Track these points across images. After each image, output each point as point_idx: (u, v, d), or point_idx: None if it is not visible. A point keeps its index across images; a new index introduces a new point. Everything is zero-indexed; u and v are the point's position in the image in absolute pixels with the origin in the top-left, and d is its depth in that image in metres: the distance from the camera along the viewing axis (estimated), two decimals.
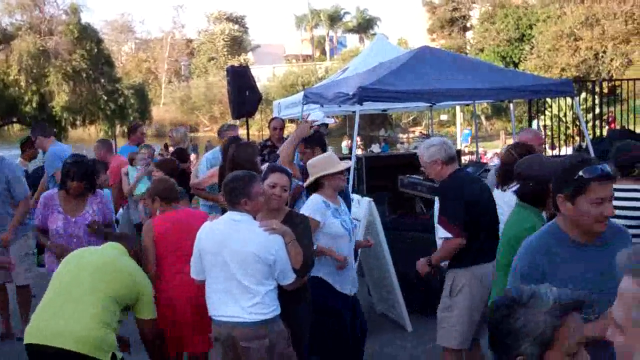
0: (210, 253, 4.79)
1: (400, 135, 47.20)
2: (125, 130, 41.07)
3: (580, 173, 3.36)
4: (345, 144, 35.57)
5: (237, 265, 4.66)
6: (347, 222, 5.80)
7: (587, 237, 3.47)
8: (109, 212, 6.88)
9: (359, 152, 24.82)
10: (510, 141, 25.76)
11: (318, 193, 5.69)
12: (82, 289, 4.82)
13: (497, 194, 5.98)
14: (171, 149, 11.54)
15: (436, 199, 5.98)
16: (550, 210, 4.74)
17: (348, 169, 6.16)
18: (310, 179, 5.74)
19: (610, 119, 18.53)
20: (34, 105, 35.18)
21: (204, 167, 8.56)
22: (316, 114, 9.19)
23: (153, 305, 5.26)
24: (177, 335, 5.67)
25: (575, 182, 3.37)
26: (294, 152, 6.90)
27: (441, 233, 5.61)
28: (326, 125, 9.10)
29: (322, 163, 5.77)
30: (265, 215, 5.06)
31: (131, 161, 9.85)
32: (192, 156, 23.25)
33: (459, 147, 22.80)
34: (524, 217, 4.57)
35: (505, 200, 5.81)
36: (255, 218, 4.89)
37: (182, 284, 5.51)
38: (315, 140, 7.15)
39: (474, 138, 21.25)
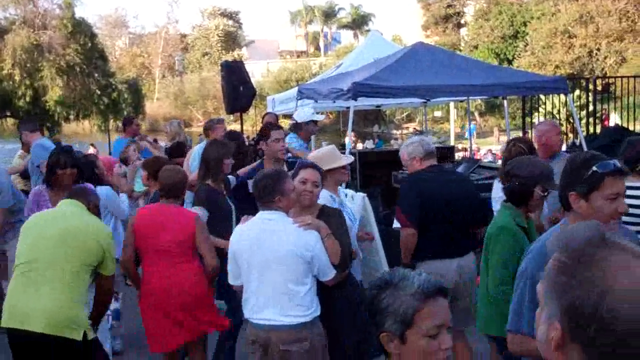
0: (246, 256, 4.68)
1: (394, 131, 47.25)
2: (120, 124, 41.07)
3: (595, 168, 3.23)
4: (348, 139, 35.60)
5: (274, 265, 4.56)
6: (350, 214, 5.79)
7: None
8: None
9: (360, 146, 24.90)
10: (504, 138, 25.78)
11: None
12: (46, 264, 4.67)
13: (499, 188, 6.02)
14: (162, 143, 11.44)
15: None
16: (533, 212, 4.78)
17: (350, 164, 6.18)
18: None
19: (604, 117, 18.58)
20: (28, 99, 35.16)
21: (196, 162, 8.54)
22: (305, 111, 9.20)
23: (114, 261, 5.03)
24: (156, 332, 5.53)
25: (590, 177, 3.24)
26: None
27: (395, 223, 5.69)
28: (315, 122, 9.09)
29: (325, 157, 5.72)
30: (299, 212, 4.95)
31: (124, 160, 9.70)
32: None
33: (452, 144, 22.82)
34: (499, 217, 4.61)
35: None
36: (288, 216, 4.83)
37: (157, 279, 5.44)
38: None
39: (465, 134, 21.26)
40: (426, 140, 5.92)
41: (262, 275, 4.60)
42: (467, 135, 34.49)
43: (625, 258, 1.48)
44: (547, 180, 4.64)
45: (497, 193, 6.02)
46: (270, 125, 7.47)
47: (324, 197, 5.50)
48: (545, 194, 4.66)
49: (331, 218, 5.00)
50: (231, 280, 4.92)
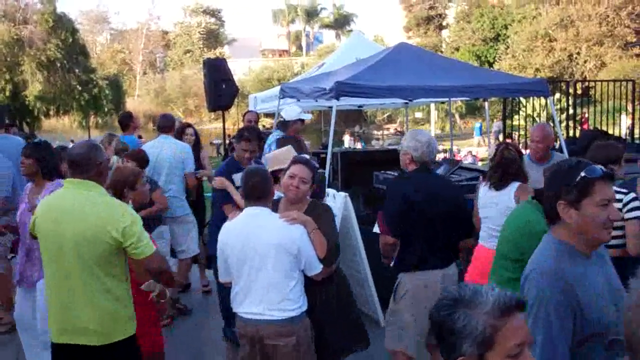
0: (234, 252, 4.75)
1: (375, 132, 47.35)
2: (100, 120, 40.82)
3: (583, 174, 3.03)
4: (347, 138, 35.65)
5: (262, 259, 4.64)
6: None
7: (589, 248, 3.13)
8: None
9: (359, 145, 24.90)
10: (485, 140, 25.93)
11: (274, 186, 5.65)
12: (71, 270, 4.38)
13: (489, 194, 5.95)
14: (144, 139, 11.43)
15: None
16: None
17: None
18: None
19: (583, 120, 18.73)
20: (7, 94, 34.83)
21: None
22: (292, 109, 9.24)
23: (142, 240, 4.42)
24: None
25: (579, 184, 3.03)
26: None
27: (375, 227, 5.60)
28: (302, 120, 9.15)
29: (279, 157, 5.80)
30: (288, 206, 5.05)
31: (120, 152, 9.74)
32: None
33: None
34: (528, 212, 4.52)
35: (497, 201, 5.81)
36: (277, 210, 4.95)
37: None
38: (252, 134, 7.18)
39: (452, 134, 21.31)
40: (431, 146, 5.63)
41: (250, 270, 4.67)
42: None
43: None
44: None
45: (486, 197, 5.98)
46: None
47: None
48: None
49: (319, 213, 5.05)
50: (220, 278, 5.00)
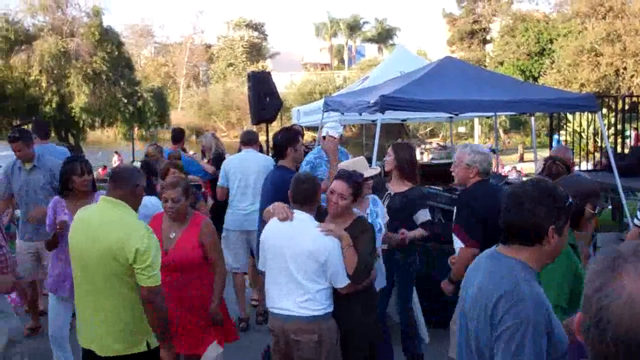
0: (272, 246, 5.06)
1: (418, 146, 47.17)
2: (144, 132, 41.12)
3: (570, 200, 3.01)
4: (418, 151, 35.47)
5: (292, 259, 4.92)
6: (376, 224, 5.89)
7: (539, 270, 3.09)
8: None
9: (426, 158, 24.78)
10: (530, 155, 25.68)
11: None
12: (95, 282, 4.57)
13: None
14: (191, 152, 11.50)
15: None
16: (582, 230, 4.63)
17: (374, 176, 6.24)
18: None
19: (634, 135, 18.41)
20: (54, 105, 35.18)
21: None
22: (328, 125, 9.20)
23: (148, 270, 4.47)
24: None
25: (567, 209, 2.99)
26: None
27: (456, 243, 5.59)
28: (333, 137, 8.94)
29: (350, 167, 5.89)
30: (332, 220, 5.25)
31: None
32: None
33: None
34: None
35: None
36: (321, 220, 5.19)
37: None
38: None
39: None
40: (491, 158, 5.96)
41: (282, 268, 4.99)
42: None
43: None
44: (596, 197, 4.52)
45: None
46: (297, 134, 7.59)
47: None
48: (595, 211, 4.53)
49: (360, 231, 5.21)
50: (259, 266, 5.37)
